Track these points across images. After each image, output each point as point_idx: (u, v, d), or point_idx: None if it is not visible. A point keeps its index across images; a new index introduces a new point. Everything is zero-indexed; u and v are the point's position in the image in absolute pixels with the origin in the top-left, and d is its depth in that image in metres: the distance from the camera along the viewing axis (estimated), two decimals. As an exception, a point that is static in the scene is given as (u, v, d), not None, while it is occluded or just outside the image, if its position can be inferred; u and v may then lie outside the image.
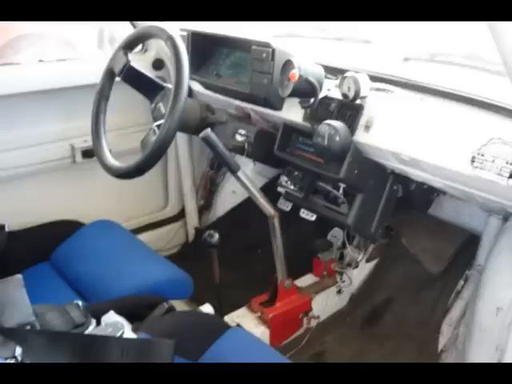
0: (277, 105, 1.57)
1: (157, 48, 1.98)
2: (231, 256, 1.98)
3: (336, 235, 1.81)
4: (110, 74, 1.41)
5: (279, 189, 1.68)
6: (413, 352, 1.68)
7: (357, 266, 1.93)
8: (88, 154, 1.83)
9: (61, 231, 1.66)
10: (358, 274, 1.95)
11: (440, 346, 1.69)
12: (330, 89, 1.47)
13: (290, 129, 1.59)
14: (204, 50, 1.78)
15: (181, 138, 2.15)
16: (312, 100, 1.45)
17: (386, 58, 1.60)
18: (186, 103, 1.25)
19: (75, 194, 1.93)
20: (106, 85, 1.42)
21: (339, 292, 1.92)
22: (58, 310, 1.05)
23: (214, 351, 1.14)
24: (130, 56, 1.39)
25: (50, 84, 1.73)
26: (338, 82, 1.42)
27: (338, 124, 1.35)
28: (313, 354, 1.74)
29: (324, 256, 1.89)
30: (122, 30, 1.88)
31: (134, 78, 1.41)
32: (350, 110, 1.39)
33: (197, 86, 1.87)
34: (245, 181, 1.57)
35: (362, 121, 1.37)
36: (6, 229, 1.48)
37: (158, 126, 1.29)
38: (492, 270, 1.50)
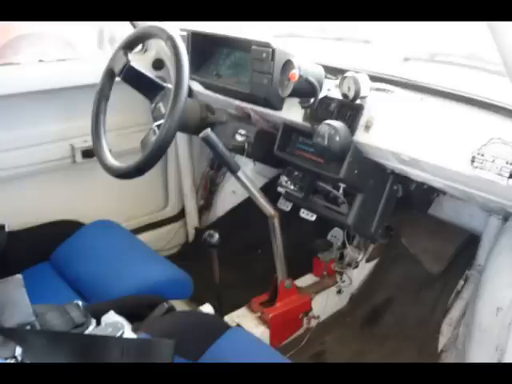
0: (277, 105, 1.57)
1: (157, 48, 1.98)
2: (231, 256, 1.98)
3: (336, 235, 1.81)
4: (110, 74, 1.41)
5: (279, 189, 1.68)
6: (413, 352, 1.68)
7: (357, 266, 1.93)
8: (88, 153, 1.83)
9: (61, 231, 1.66)
10: (358, 274, 1.95)
11: (440, 346, 1.69)
12: (330, 89, 1.46)
13: (290, 129, 1.59)
14: (204, 50, 1.78)
15: (181, 138, 2.15)
16: (312, 100, 1.45)
17: (386, 58, 1.60)
18: (186, 103, 1.25)
19: (75, 194, 1.93)
20: (106, 85, 1.42)
21: (339, 292, 1.92)
22: (58, 310, 1.05)
23: (214, 351, 1.14)
24: (130, 56, 1.39)
25: (50, 84, 1.73)
26: (337, 82, 1.42)
27: (338, 124, 1.35)
28: (313, 354, 1.74)
29: (324, 256, 1.89)
30: (122, 29, 1.88)
31: (134, 77, 1.41)
32: (349, 110, 1.39)
33: (197, 86, 1.87)
34: (245, 181, 1.57)
35: (362, 121, 1.37)
36: (6, 229, 1.48)
37: (158, 126, 1.29)
38: (492, 270, 1.50)
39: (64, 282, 1.51)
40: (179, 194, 2.29)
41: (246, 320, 1.74)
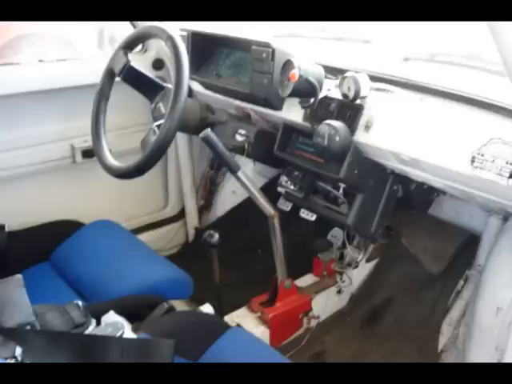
0: (277, 105, 1.57)
1: (157, 48, 1.98)
2: (231, 256, 1.98)
3: (336, 235, 1.81)
4: (110, 74, 1.41)
5: (279, 189, 1.68)
6: (413, 352, 1.68)
7: (357, 266, 1.93)
8: (88, 153, 1.83)
9: (61, 231, 1.66)
10: (358, 274, 1.95)
11: (440, 346, 1.69)
12: (330, 89, 1.47)
13: (290, 129, 1.59)
14: (204, 50, 1.78)
15: (181, 138, 2.15)
16: (312, 100, 1.45)
17: (386, 58, 1.60)
18: (186, 103, 1.25)
19: (75, 194, 1.93)
20: (106, 85, 1.42)
21: (339, 292, 1.92)
22: (58, 310, 1.05)
23: (214, 351, 1.14)
24: (130, 56, 1.39)
25: (50, 84, 1.73)
26: (338, 82, 1.42)
27: (338, 124, 1.35)
28: (313, 354, 1.74)
29: (324, 256, 1.89)
30: (122, 29, 1.88)
31: (134, 77, 1.41)
32: (350, 110, 1.39)
33: (197, 86, 1.87)
34: (245, 181, 1.57)
35: (362, 121, 1.37)
36: (6, 229, 1.48)
37: (158, 126, 1.29)
38: (492, 270, 1.50)
39: (64, 281, 1.51)
40: (179, 194, 2.29)
41: (246, 320, 1.74)
